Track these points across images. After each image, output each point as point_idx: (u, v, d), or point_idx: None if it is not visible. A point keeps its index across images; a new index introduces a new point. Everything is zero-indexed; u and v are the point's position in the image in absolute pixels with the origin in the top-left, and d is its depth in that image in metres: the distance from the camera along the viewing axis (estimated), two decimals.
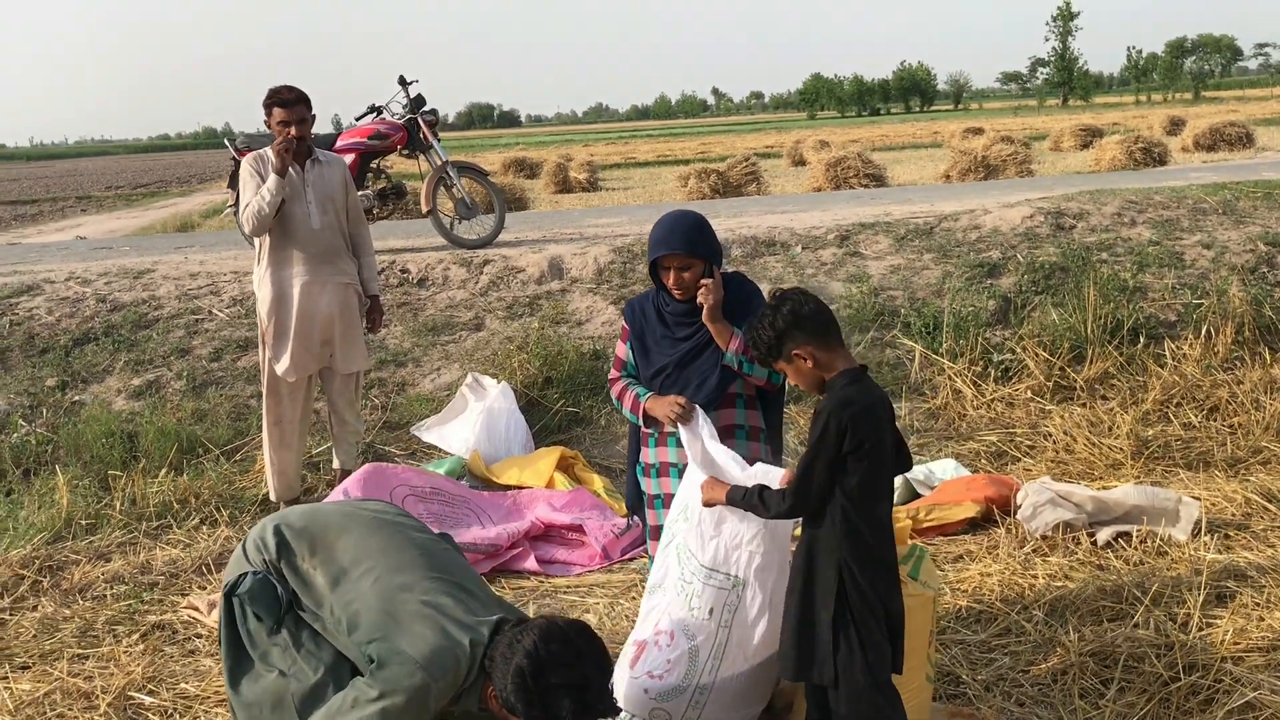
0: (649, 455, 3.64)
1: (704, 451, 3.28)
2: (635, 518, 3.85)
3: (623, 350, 3.70)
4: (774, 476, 3.08)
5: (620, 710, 3.01)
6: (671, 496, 3.52)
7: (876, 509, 2.88)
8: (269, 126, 5.51)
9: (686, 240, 3.49)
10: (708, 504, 3.10)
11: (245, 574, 3.28)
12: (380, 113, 9.15)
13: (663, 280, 3.56)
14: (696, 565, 3.14)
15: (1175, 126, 31.56)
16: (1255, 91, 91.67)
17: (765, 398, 3.66)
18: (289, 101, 5.42)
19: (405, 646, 2.92)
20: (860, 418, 2.76)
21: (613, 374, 3.72)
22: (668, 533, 3.23)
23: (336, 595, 3.11)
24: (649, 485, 3.65)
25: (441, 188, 8.92)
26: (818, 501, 2.85)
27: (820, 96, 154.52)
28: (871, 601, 2.86)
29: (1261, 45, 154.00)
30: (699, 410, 3.39)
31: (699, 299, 3.47)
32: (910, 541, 3.50)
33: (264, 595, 3.23)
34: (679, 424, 3.36)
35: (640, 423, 3.58)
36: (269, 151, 5.51)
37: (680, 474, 3.50)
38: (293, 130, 5.38)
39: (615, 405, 3.67)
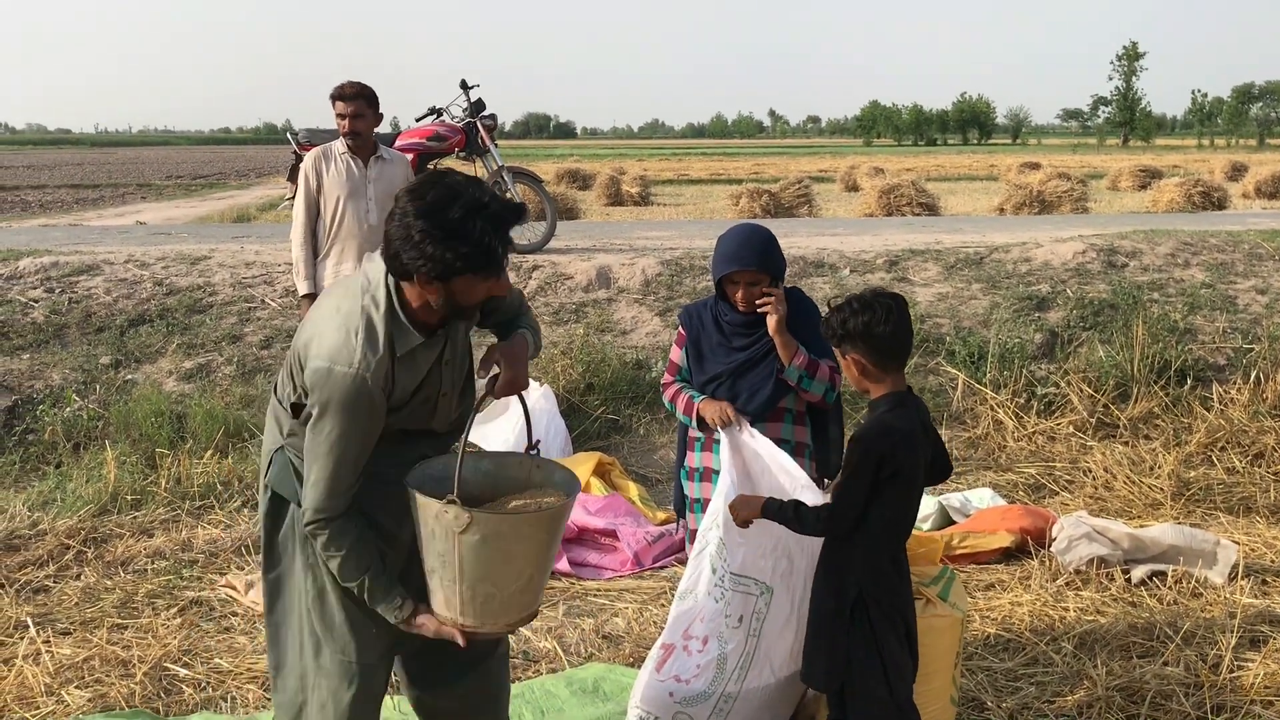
0: (694, 459, 3.68)
1: (744, 461, 3.31)
2: (680, 522, 3.87)
3: (677, 355, 3.73)
4: (816, 493, 3.11)
5: (519, 206, 2.59)
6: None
7: (902, 530, 2.91)
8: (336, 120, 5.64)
9: (759, 256, 3.51)
10: (741, 524, 3.11)
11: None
12: (440, 115, 9.27)
13: (729, 294, 3.57)
14: (726, 572, 3.17)
15: (1237, 172, 31.15)
16: None
17: (815, 411, 3.67)
18: (348, 96, 5.57)
19: (312, 365, 2.57)
20: (899, 447, 2.79)
21: (666, 378, 3.75)
22: (701, 539, 3.26)
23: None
24: (691, 489, 3.69)
25: (496, 192, 9.01)
26: (852, 523, 2.88)
27: (877, 123, 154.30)
28: (893, 618, 2.88)
29: None
30: (745, 421, 3.42)
31: (766, 311, 3.49)
32: (940, 564, 3.51)
33: None
34: (722, 429, 3.40)
35: (693, 424, 3.61)
36: (336, 146, 5.64)
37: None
38: (348, 124, 5.52)
39: (669, 408, 3.69)
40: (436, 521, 2.59)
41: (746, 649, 3.15)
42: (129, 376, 6.96)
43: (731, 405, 3.47)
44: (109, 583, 4.84)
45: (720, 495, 3.22)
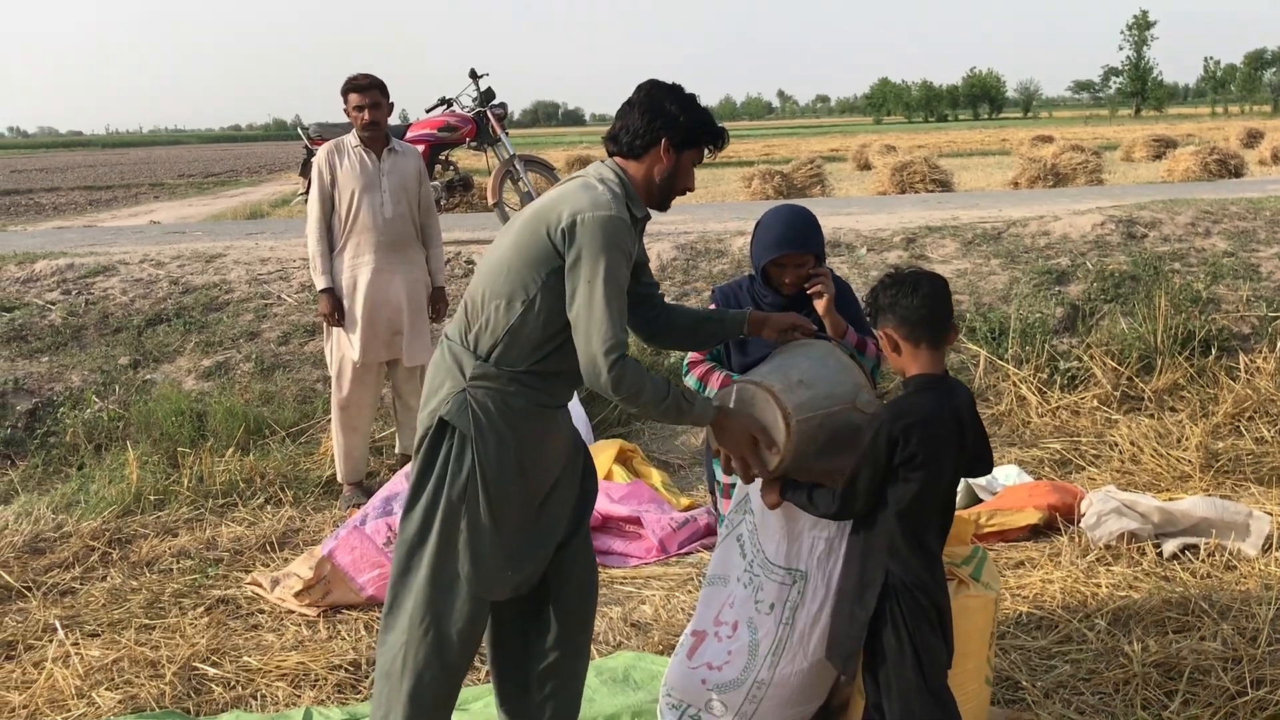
0: None
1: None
2: (705, 506, 3.82)
3: None
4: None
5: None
6: None
7: (928, 515, 2.86)
8: (347, 114, 5.61)
9: (804, 239, 3.46)
10: (771, 507, 3.11)
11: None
12: (450, 105, 9.24)
13: (775, 278, 3.50)
14: (757, 556, 3.14)
15: (1253, 139, 30.90)
16: None
17: None
18: (362, 87, 5.54)
19: (566, 221, 2.79)
20: (913, 430, 2.72)
21: (694, 355, 3.62)
22: (728, 523, 3.23)
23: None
24: (725, 475, 3.62)
25: (508, 181, 8.99)
26: (863, 507, 2.84)
27: (887, 101, 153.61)
28: (924, 604, 2.83)
29: None
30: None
31: (816, 293, 3.42)
32: (971, 544, 3.47)
33: None
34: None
35: None
36: (347, 140, 5.61)
37: None
38: (365, 115, 5.49)
39: (696, 386, 3.58)
40: (847, 376, 3.01)
41: (779, 636, 3.11)
42: (148, 376, 6.96)
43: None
44: (135, 583, 4.84)
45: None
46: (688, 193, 3.08)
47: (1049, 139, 34.10)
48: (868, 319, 3.00)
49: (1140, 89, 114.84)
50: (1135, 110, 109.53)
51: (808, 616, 3.12)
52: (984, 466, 3.03)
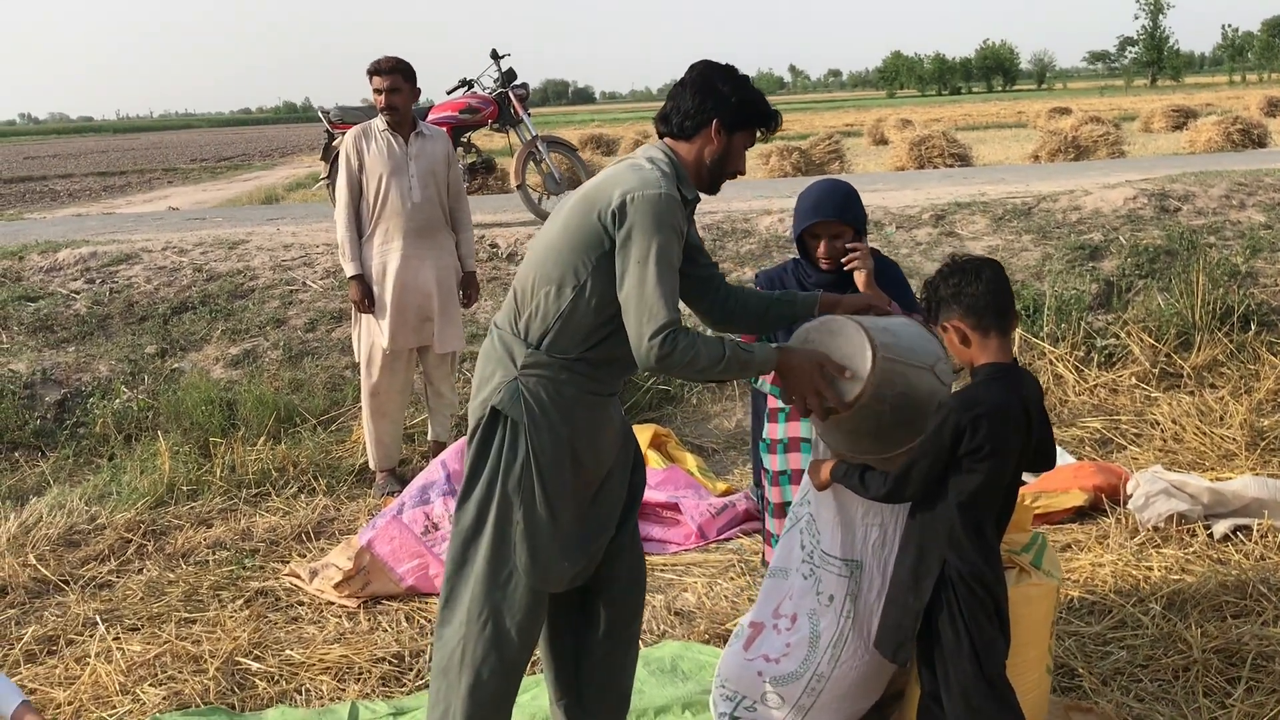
0: (777, 430, 3.54)
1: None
2: (745, 491, 3.75)
3: None
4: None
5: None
6: (801, 473, 3.45)
7: (989, 506, 2.79)
8: (374, 98, 5.54)
9: (839, 207, 3.42)
10: (820, 488, 3.06)
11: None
12: (471, 87, 9.16)
13: (811, 250, 3.48)
14: (816, 549, 3.08)
15: (1274, 108, 30.57)
16: None
17: None
18: (384, 70, 5.49)
19: (618, 201, 2.73)
20: (982, 421, 2.65)
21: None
22: (792, 514, 3.16)
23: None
24: (774, 462, 3.55)
25: (530, 162, 8.91)
26: (918, 494, 2.78)
27: (900, 75, 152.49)
28: (981, 596, 2.77)
29: None
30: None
31: (855, 267, 3.37)
32: (1029, 530, 3.40)
33: None
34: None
35: (779, 394, 3.49)
36: (375, 124, 5.54)
37: (812, 449, 3.43)
38: (383, 99, 5.43)
39: (749, 380, 3.54)
40: (929, 342, 2.93)
41: (840, 629, 3.05)
42: (176, 365, 6.92)
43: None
44: (172, 575, 4.81)
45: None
46: (738, 176, 3.01)
47: (1066, 111, 33.76)
48: (927, 313, 2.90)
49: (1157, 58, 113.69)
50: (1151, 80, 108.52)
51: (865, 608, 3.05)
52: (1047, 461, 2.96)
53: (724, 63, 2.95)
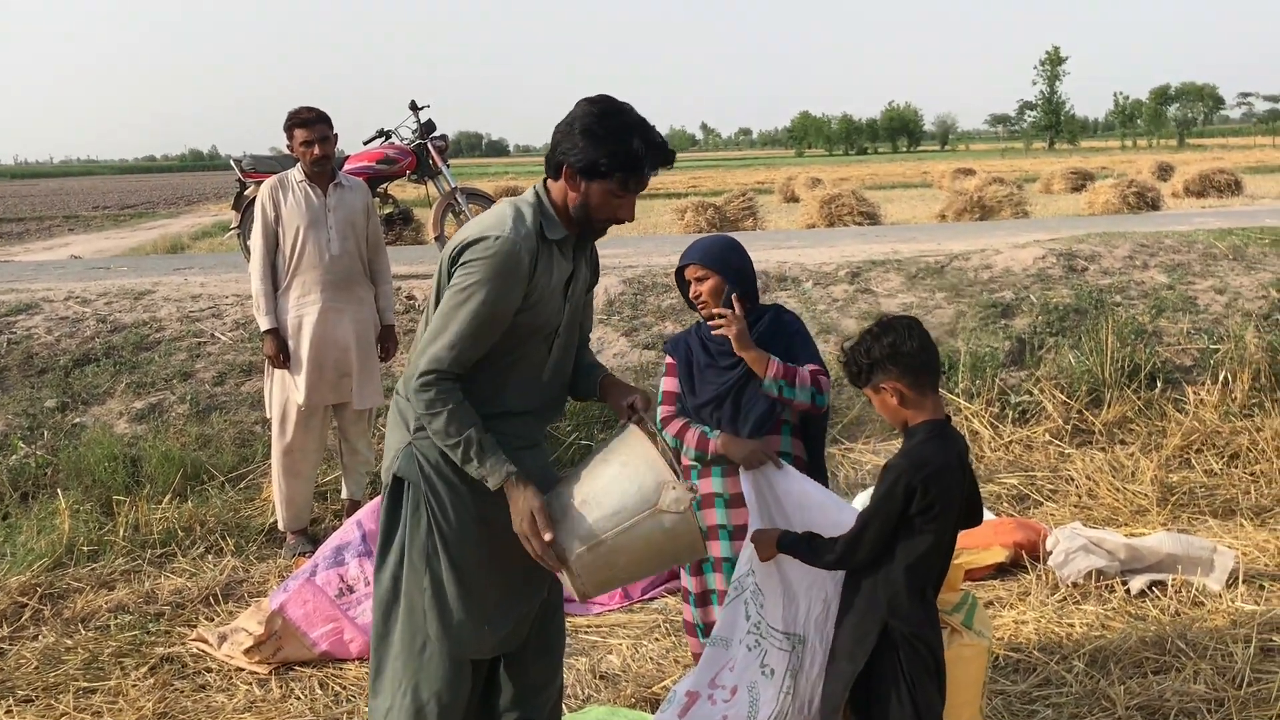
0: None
1: (776, 499, 3.17)
2: None
3: (671, 384, 3.57)
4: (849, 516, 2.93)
5: (671, 152, 2.80)
6: (716, 528, 3.43)
7: (933, 566, 2.79)
8: (291, 150, 5.42)
9: (704, 252, 3.47)
10: (764, 559, 3.01)
11: None
12: (389, 137, 9.06)
13: (688, 292, 3.52)
14: (762, 620, 3.03)
15: (1164, 172, 31.74)
16: (1237, 140, 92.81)
17: (808, 426, 3.54)
18: (309, 121, 5.36)
19: (471, 235, 2.67)
20: (933, 480, 2.66)
21: (665, 410, 3.54)
22: (737, 583, 3.10)
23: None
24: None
25: (449, 214, 8.83)
26: (868, 557, 2.76)
27: (808, 134, 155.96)
28: (924, 654, 2.75)
29: (1245, 94, 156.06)
30: (776, 458, 3.27)
31: (720, 331, 3.36)
32: (960, 590, 3.39)
33: None
34: (745, 470, 3.25)
35: (692, 453, 3.45)
36: (292, 175, 5.42)
37: (725, 504, 3.41)
38: (315, 150, 5.31)
39: (672, 443, 3.48)
40: (646, 476, 2.65)
41: (780, 706, 2.97)
42: (77, 419, 6.65)
43: (764, 445, 3.31)
44: (70, 642, 4.57)
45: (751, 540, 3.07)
46: (624, 223, 2.87)
47: (970, 171, 34.70)
48: (855, 376, 2.87)
49: (1054, 122, 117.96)
50: (1049, 143, 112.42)
51: (807, 684, 3.00)
52: (976, 517, 2.97)
53: (618, 102, 2.75)
